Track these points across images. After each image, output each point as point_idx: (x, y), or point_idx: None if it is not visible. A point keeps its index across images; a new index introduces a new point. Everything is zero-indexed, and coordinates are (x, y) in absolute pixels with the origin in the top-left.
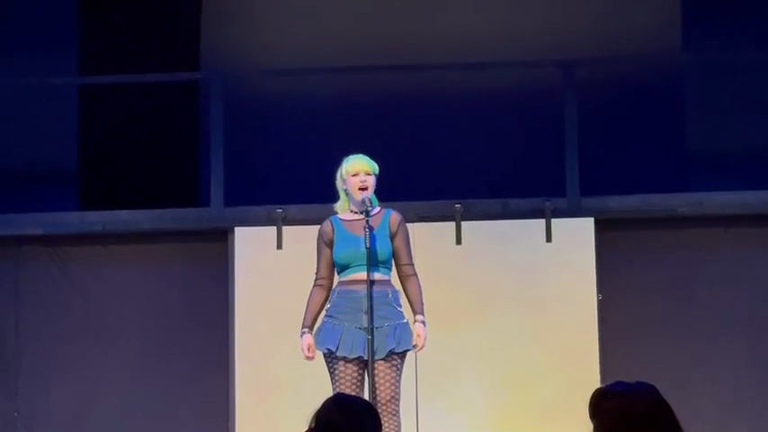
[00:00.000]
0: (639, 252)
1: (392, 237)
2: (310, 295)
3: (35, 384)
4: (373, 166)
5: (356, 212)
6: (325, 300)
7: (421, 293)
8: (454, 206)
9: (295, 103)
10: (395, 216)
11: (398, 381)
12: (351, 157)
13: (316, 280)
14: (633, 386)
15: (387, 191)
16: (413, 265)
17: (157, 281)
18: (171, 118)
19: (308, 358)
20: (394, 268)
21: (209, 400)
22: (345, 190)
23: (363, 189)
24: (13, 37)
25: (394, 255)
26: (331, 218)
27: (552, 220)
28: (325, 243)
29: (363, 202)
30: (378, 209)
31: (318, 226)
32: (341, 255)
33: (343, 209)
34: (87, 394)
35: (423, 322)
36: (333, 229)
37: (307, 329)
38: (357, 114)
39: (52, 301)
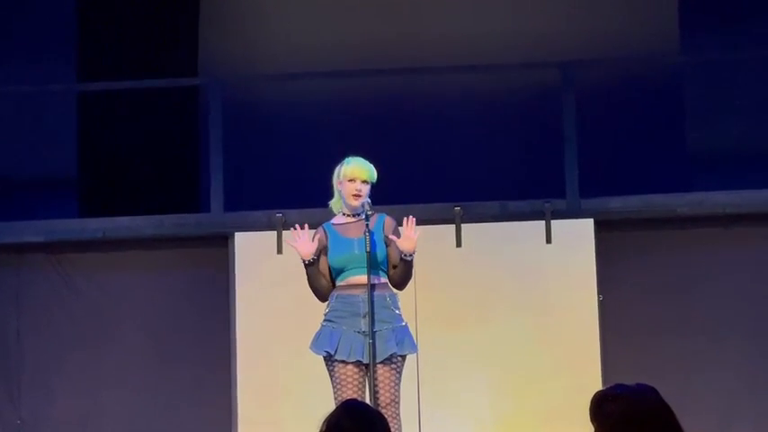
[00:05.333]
0: (640, 252)
1: (387, 241)
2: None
3: (37, 392)
4: (371, 174)
5: (348, 215)
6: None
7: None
8: (454, 209)
9: (294, 108)
10: (389, 221)
11: (398, 384)
12: (352, 159)
13: None
14: (634, 388)
15: (386, 194)
16: None
17: (158, 287)
18: (170, 124)
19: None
20: None
21: (212, 406)
22: (340, 191)
23: (357, 198)
24: (12, 45)
25: (389, 258)
26: (323, 225)
27: (552, 221)
28: (319, 251)
29: (363, 206)
30: (372, 213)
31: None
32: (336, 259)
33: (336, 207)
34: (90, 401)
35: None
36: (326, 236)
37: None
38: (356, 118)
39: (53, 309)
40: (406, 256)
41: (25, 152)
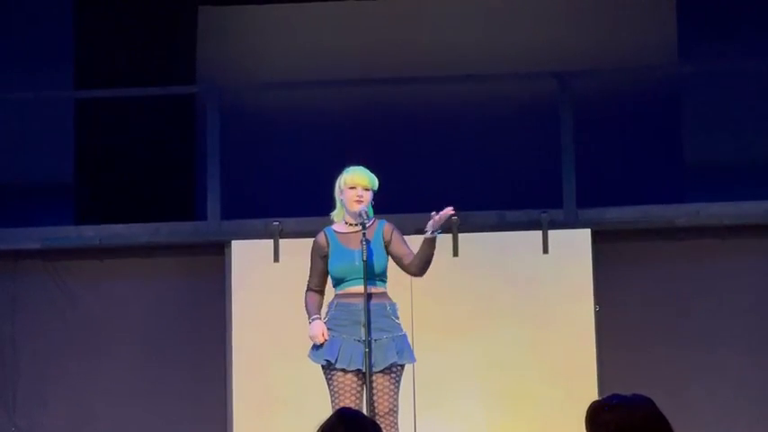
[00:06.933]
0: (637, 263)
1: (387, 245)
2: (306, 298)
3: (32, 399)
4: (372, 181)
5: (351, 224)
6: (321, 301)
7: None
8: (451, 218)
9: (291, 117)
10: (387, 225)
11: (397, 393)
12: (351, 168)
13: (309, 287)
14: (629, 399)
15: (384, 203)
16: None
17: (154, 294)
18: (167, 132)
19: (322, 344)
20: (389, 280)
21: (207, 414)
22: (342, 200)
23: (359, 203)
24: (10, 51)
25: (398, 258)
26: (325, 229)
27: (549, 231)
28: (319, 257)
29: (360, 214)
30: (372, 220)
31: None
32: (336, 269)
33: (338, 218)
34: (85, 409)
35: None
36: (327, 243)
37: (316, 316)
38: (353, 127)
39: (49, 316)
40: (433, 232)
41: (22, 159)
